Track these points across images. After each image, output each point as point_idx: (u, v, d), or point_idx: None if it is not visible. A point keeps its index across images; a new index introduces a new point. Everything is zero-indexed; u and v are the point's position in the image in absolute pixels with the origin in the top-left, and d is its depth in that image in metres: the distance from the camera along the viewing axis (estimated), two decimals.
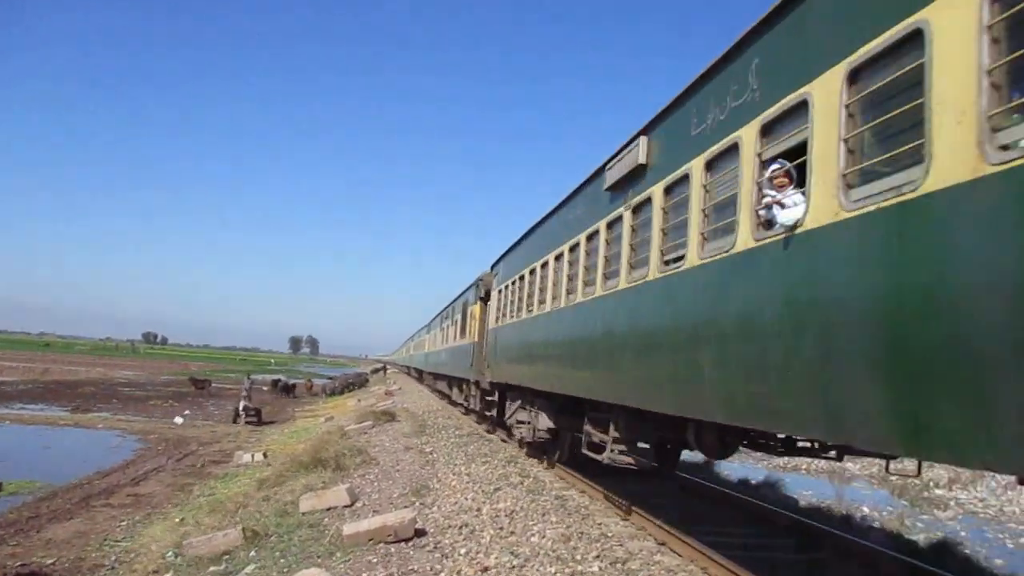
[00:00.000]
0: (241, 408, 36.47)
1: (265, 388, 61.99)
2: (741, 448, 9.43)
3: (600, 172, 10.90)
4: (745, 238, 6.23)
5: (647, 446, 10.44)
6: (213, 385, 61.65)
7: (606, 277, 10.26)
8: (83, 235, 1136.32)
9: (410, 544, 8.90)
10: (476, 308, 23.96)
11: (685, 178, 7.72)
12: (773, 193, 5.89)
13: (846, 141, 5.03)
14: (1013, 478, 5.62)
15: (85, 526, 14.77)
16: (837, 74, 5.12)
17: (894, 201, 4.43)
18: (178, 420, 34.98)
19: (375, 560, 8.34)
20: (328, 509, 11.45)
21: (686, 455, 14.56)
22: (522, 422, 16.22)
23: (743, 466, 20.22)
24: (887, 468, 8.07)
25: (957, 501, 18.12)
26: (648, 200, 8.80)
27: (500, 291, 19.96)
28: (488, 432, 21.84)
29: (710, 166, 7.23)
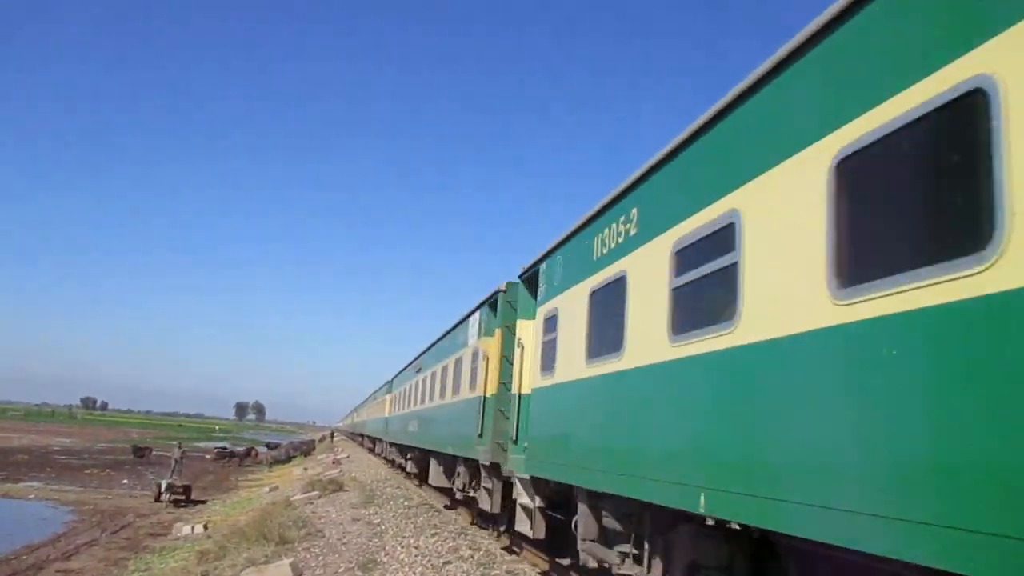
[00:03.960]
0: (164, 485, 30.77)
1: (208, 456, 60.21)
2: None
3: None
4: None
5: None
6: (154, 453, 59.69)
7: None
8: (16, 294, 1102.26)
9: None
10: None
11: None
12: None
13: None
14: None
15: None
16: None
17: None
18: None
19: None
20: None
21: None
22: None
23: None
24: None
25: None
26: None
27: None
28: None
29: None
